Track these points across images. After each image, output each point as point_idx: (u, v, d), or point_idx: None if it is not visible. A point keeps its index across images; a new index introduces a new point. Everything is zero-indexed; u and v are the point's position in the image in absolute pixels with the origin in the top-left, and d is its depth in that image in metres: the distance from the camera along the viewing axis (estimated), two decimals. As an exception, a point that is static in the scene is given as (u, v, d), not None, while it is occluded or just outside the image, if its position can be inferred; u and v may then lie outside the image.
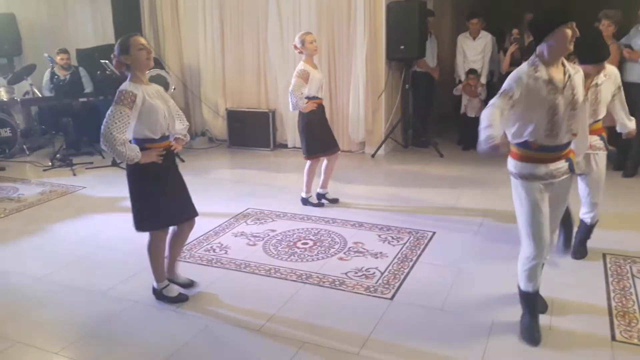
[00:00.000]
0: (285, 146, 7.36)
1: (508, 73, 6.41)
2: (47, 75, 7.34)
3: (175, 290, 3.35)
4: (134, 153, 2.95)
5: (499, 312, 3.13)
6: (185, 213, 3.27)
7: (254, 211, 4.92)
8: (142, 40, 3.00)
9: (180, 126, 3.32)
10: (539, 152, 2.67)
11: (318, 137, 4.82)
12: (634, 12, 5.92)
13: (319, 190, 5.08)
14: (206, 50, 7.62)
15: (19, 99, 7.20)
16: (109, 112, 2.90)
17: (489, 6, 9.40)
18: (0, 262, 4.05)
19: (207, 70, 7.68)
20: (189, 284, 3.46)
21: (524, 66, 2.64)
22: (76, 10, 8.35)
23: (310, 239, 4.25)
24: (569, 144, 2.73)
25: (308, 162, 4.90)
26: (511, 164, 2.79)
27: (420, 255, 3.91)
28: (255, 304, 3.30)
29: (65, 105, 6.93)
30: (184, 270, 3.78)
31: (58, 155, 6.77)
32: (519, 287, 2.96)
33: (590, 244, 3.95)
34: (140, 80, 3.02)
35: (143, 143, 3.03)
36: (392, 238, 4.21)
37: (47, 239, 4.47)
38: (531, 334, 2.85)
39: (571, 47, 2.57)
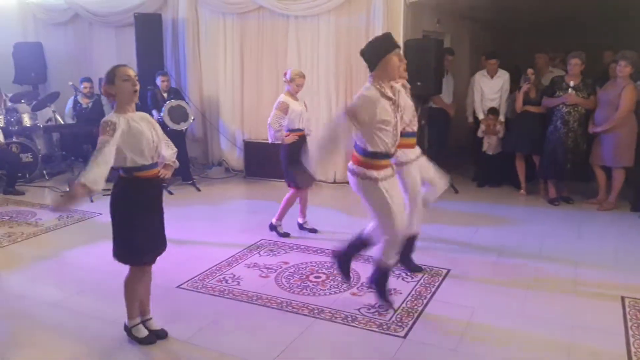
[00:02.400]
0: (299, 178, 7.38)
1: (523, 112, 6.46)
2: (70, 102, 7.52)
3: (144, 331, 3.19)
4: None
5: (515, 353, 3.07)
6: (158, 250, 3.15)
7: (268, 242, 4.93)
8: (129, 72, 2.97)
9: (168, 152, 3.25)
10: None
11: (299, 169, 4.88)
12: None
13: (298, 220, 5.19)
14: (226, 82, 7.77)
15: (41, 125, 7.37)
16: (98, 143, 2.86)
17: (505, 44, 9.50)
18: (15, 287, 4.09)
19: (226, 101, 7.81)
20: (159, 335, 3.23)
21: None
22: (101, 40, 8.59)
23: (323, 273, 4.22)
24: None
25: (290, 192, 4.99)
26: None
27: (434, 292, 3.87)
28: (265, 338, 3.28)
29: (86, 132, 7.07)
30: (197, 300, 3.78)
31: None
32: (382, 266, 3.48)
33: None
34: (125, 110, 2.98)
35: (132, 172, 2.95)
36: (406, 274, 4.17)
37: (62, 264, 4.50)
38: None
39: (400, 72, 3.28)
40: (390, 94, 3.22)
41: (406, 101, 3.74)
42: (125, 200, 2.99)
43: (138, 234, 3.00)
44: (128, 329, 3.22)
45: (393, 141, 3.29)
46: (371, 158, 3.27)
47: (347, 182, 6.73)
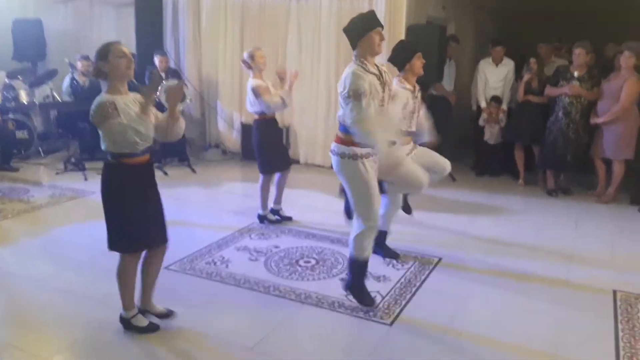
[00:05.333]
0: (297, 162, 7.32)
1: (524, 102, 6.35)
2: (67, 80, 7.44)
3: (144, 320, 3.09)
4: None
5: (503, 345, 3.02)
6: (157, 238, 3.04)
7: (260, 226, 4.88)
8: (124, 49, 2.83)
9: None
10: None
11: (271, 153, 4.85)
12: None
13: (272, 206, 5.03)
14: (225, 64, 7.67)
15: (37, 103, 7.31)
16: (107, 130, 2.75)
17: (512, 32, 9.34)
18: (4, 263, 4.07)
19: (225, 83, 7.72)
20: (167, 315, 3.18)
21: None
22: (101, 19, 8.48)
23: (313, 258, 4.18)
24: None
25: (261, 178, 4.89)
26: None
27: (424, 281, 3.82)
28: (250, 321, 3.25)
29: (83, 110, 6.96)
30: (184, 281, 3.76)
31: (72, 160, 6.82)
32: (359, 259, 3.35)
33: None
34: (118, 90, 2.83)
35: (121, 158, 2.83)
36: (397, 262, 4.12)
37: (51, 242, 4.47)
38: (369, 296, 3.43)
39: (380, 49, 3.19)
40: (374, 70, 3.17)
41: (413, 103, 3.88)
42: (113, 186, 2.88)
43: (127, 221, 2.88)
44: (125, 321, 3.08)
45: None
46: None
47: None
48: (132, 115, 2.79)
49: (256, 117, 4.79)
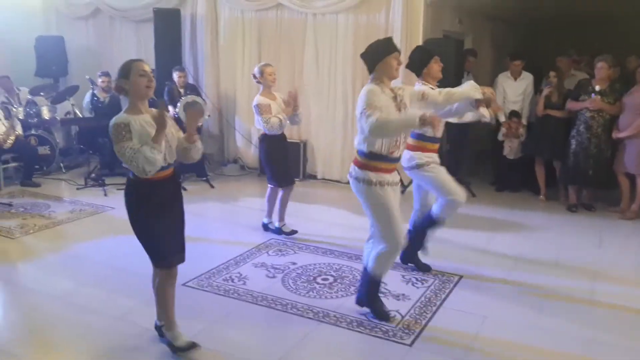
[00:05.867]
0: (314, 177, 7.31)
1: (544, 116, 6.25)
2: (87, 96, 7.55)
3: (180, 338, 3.01)
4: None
5: (525, 367, 2.95)
6: (180, 253, 3.00)
7: (277, 242, 4.86)
8: (146, 67, 2.82)
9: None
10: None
11: (277, 169, 4.88)
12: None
13: (277, 224, 5.04)
14: (243, 79, 7.71)
15: (59, 118, 7.42)
16: (119, 153, 2.70)
17: (529, 45, 9.28)
18: (24, 279, 4.11)
19: (243, 98, 7.75)
20: (190, 347, 3.02)
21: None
22: (121, 36, 8.62)
23: (331, 275, 4.14)
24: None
25: (269, 188, 4.96)
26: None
27: (444, 299, 3.75)
28: (267, 340, 3.22)
29: (103, 126, 7.04)
30: (202, 298, 3.74)
31: (92, 175, 6.89)
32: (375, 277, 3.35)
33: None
34: (139, 109, 2.81)
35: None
36: (417, 280, 4.06)
37: (71, 257, 4.50)
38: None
39: (397, 74, 3.21)
40: (389, 93, 3.18)
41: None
42: (138, 203, 2.86)
43: (157, 237, 2.87)
44: (158, 328, 3.10)
45: (394, 142, 3.18)
46: (370, 159, 3.20)
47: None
48: (145, 139, 2.73)
49: (263, 131, 4.83)
